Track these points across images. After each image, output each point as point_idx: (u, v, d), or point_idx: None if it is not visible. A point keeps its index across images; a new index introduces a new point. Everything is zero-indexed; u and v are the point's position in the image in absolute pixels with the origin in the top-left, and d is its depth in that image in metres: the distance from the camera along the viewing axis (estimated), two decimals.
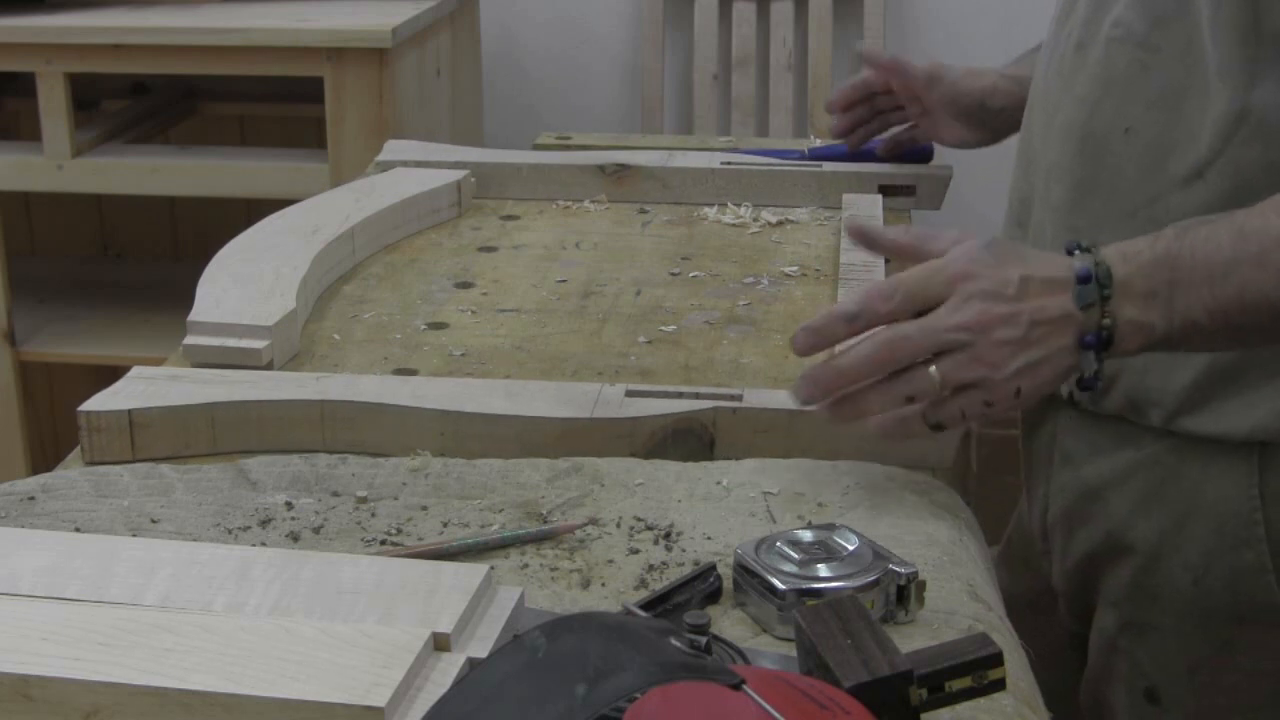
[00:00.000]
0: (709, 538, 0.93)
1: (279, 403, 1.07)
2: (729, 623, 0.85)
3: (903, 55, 1.55)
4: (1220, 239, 0.97)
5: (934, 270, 0.97)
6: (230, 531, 0.94)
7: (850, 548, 0.86)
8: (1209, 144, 1.06)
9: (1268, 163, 1.05)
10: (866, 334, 0.97)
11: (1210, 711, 1.17)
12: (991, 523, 1.17)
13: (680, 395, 1.07)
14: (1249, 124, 1.05)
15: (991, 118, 1.48)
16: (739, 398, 1.06)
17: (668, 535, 0.93)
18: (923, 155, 1.62)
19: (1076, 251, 0.98)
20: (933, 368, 0.94)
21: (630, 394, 1.07)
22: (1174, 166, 1.09)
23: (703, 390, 1.08)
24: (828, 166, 1.58)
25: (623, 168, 1.59)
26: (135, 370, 1.11)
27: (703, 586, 0.86)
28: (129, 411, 1.05)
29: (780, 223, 1.53)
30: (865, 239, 1.04)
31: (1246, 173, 1.05)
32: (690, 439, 1.05)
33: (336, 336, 1.25)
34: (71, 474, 1.01)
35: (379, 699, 0.70)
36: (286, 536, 0.93)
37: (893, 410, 0.97)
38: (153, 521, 0.95)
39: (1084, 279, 0.96)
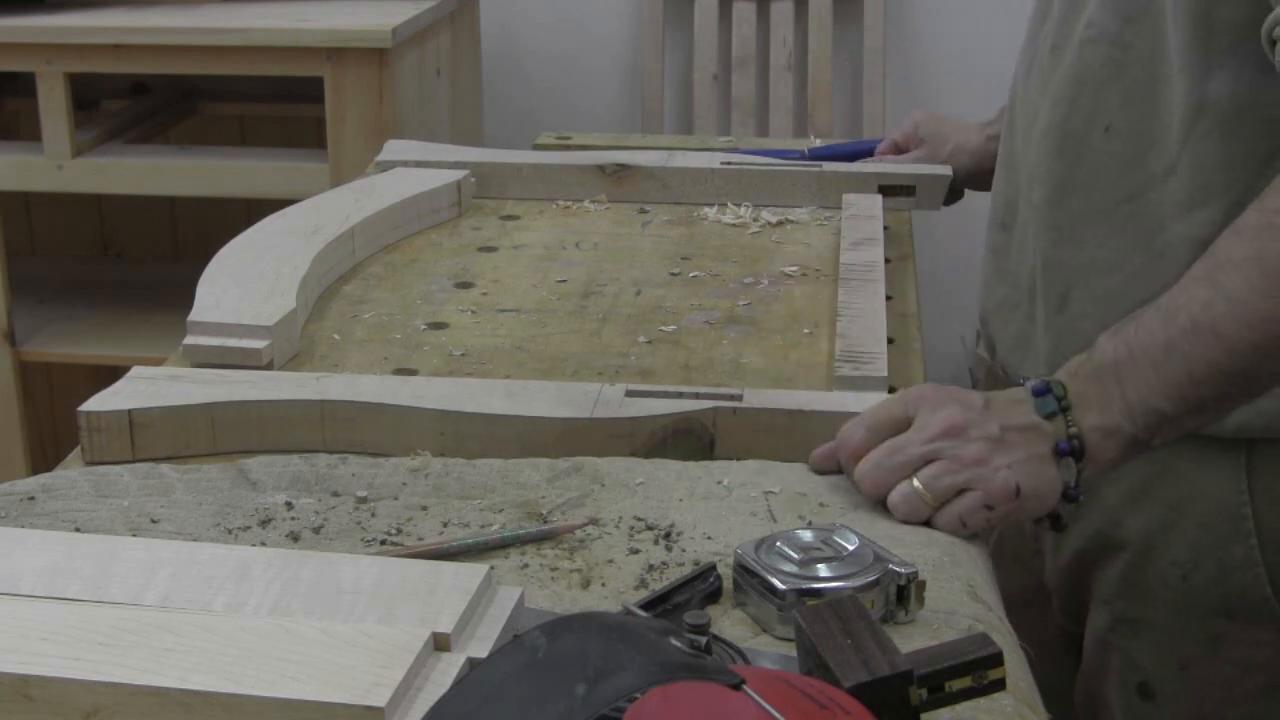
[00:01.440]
0: (709, 538, 0.93)
1: (279, 403, 1.07)
2: (729, 623, 0.85)
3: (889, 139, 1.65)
4: (1150, 326, 0.97)
5: (893, 398, 0.99)
6: (230, 531, 0.94)
7: (850, 548, 0.86)
8: (1176, 138, 1.07)
9: (1226, 155, 1.05)
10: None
11: (1204, 706, 1.17)
12: None
13: (680, 395, 1.07)
14: (1206, 116, 1.05)
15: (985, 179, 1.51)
16: (739, 398, 1.06)
17: (668, 535, 0.93)
18: None
19: (1023, 381, 0.99)
20: (915, 481, 0.94)
21: (630, 394, 1.07)
22: (1153, 162, 1.09)
23: (703, 390, 1.08)
24: (828, 166, 1.58)
25: (623, 168, 1.59)
26: (135, 370, 1.11)
27: (703, 586, 0.86)
28: (129, 411, 1.05)
29: (780, 223, 1.53)
30: (830, 461, 1.01)
31: (1208, 167, 1.06)
32: (690, 439, 1.05)
33: (336, 336, 1.25)
34: (71, 474, 1.01)
35: (379, 699, 0.70)
36: (286, 536, 0.93)
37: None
38: (153, 521, 0.95)
39: (1040, 392, 0.97)
